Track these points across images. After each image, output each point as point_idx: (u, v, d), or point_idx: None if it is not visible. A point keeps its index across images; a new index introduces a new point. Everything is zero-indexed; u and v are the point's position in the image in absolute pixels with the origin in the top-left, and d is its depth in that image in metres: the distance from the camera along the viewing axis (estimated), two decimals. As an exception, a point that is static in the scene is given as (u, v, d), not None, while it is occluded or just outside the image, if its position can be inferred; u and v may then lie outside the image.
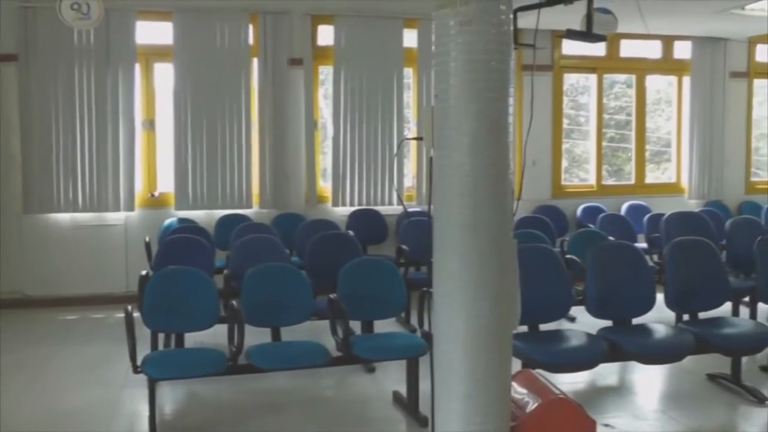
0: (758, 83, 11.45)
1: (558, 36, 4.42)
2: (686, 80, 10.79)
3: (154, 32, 8.85)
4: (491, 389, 3.24)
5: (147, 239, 8.01)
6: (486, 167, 3.14)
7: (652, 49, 10.74)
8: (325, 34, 9.22)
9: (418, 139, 3.65)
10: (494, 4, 3.19)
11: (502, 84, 3.20)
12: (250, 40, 8.87)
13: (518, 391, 3.68)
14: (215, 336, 5.62)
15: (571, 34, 4.03)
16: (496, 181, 3.17)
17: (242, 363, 5.07)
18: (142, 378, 4.95)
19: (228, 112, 8.80)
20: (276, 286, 5.60)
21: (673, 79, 11.01)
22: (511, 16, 3.35)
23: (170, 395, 5.69)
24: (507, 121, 3.22)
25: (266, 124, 8.94)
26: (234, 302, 5.33)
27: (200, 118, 8.73)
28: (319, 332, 5.74)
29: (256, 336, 5.37)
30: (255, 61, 8.93)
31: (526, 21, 4.34)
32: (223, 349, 5.15)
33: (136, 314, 5.17)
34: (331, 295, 5.44)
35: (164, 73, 8.91)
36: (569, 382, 5.78)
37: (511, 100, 3.25)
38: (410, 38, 9.32)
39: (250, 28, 8.86)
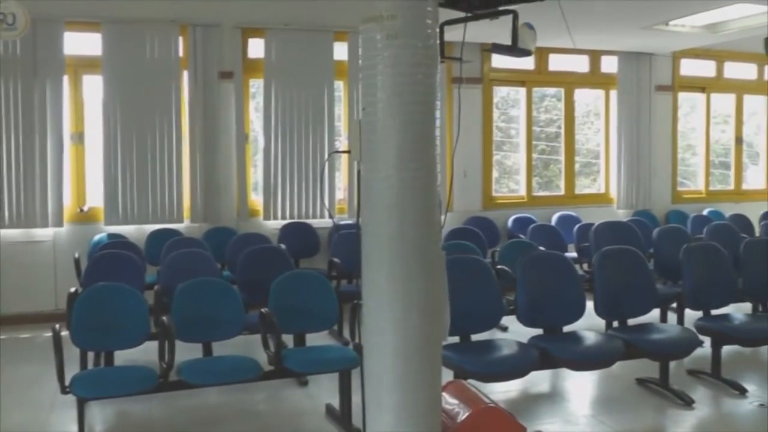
0: (683, 96, 11.79)
1: (484, 50, 4.47)
2: (613, 94, 11.07)
3: (82, 43, 8.68)
4: (421, 400, 3.26)
5: (76, 255, 7.84)
6: (413, 179, 3.16)
7: (580, 64, 10.97)
8: (256, 47, 9.19)
9: (346, 152, 3.65)
10: (420, 18, 3.22)
11: (428, 97, 3.23)
12: (180, 53, 8.78)
13: (449, 401, 3.70)
14: (146, 353, 5.54)
15: (497, 48, 4.09)
16: (423, 193, 3.19)
17: (173, 380, 4.99)
18: (72, 398, 4.86)
19: (158, 125, 8.70)
20: (207, 300, 5.54)
21: (601, 92, 11.25)
22: (438, 29, 3.39)
23: (100, 415, 5.57)
24: (434, 133, 3.25)
25: (197, 137, 8.86)
26: (165, 318, 5.26)
27: (130, 131, 8.59)
28: (251, 346, 5.72)
29: (187, 352, 5.30)
30: (185, 74, 8.84)
31: (454, 34, 4.39)
32: (154, 366, 5.07)
33: (65, 333, 5.06)
34: (263, 309, 5.40)
35: (93, 85, 8.74)
36: (502, 391, 5.87)
37: (438, 113, 3.28)
38: (341, 51, 9.36)
39: (180, 40, 8.78)
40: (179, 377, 4.95)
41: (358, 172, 3.34)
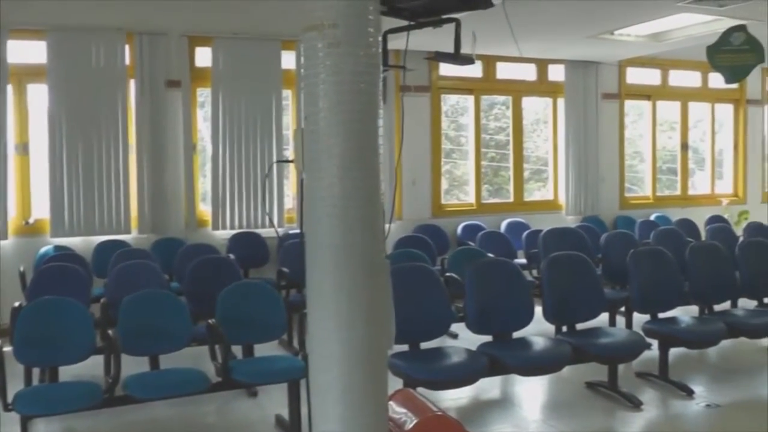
0: (629, 104, 11.98)
1: (427, 58, 4.48)
2: (561, 101, 11.20)
3: (27, 51, 8.54)
4: (368, 409, 3.24)
5: (21, 269, 7.68)
6: (356, 189, 3.14)
7: (528, 72, 11.08)
8: (203, 56, 9.13)
9: (290, 161, 3.63)
10: (362, 26, 3.20)
11: (371, 105, 3.22)
12: (127, 61, 8.68)
13: (396, 410, 3.69)
14: (93, 368, 5.47)
15: (440, 56, 4.10)
16: (366, 202, 3.17)
17: (119, 394, 4.92)
18: (15, 416, 4.77)
19: (105, 134, 8.58)
20: (153, 313, 5.47)
21: (549, 100, 11.37)
22: (380, 38, 3.38)
23: (45, 432, 5.48)
24: (377, 142, 3.24)
25: (144, 146, 8.77)
26: (110, 332, 5.18)
27: (76, 141, 8.47)
28: (199, 358, 5.64)
29: (134, 365, 5.25)
30: (132, 83, 8.76)
31: (401, 42, 4.41)
32: (100, 380, 5.01)
33: (8, 348, 4.96)
34: (210, 321, 5.35)
35: (38, 95, 8.60)
36: (452, 398, 5.89)
37: (380, 122, 3.28)
38: (289, 60, 9.34)
39: (126, 48, 8.69)
40: (125, 392, 4.88)
41: (301, 181, 3.32)
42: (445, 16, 3.75)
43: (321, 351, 3.26)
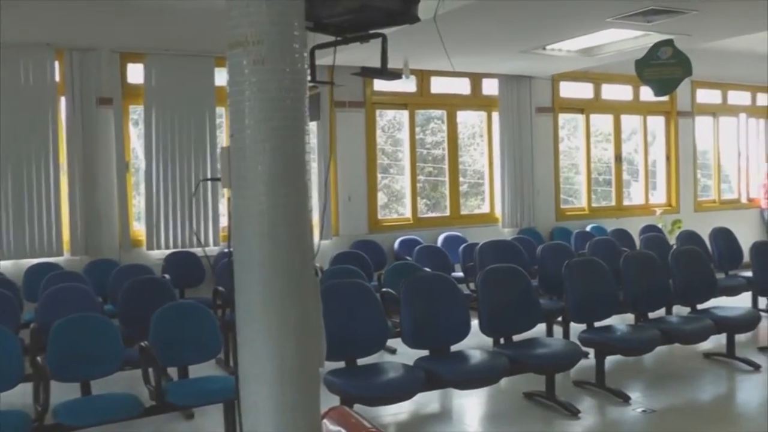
0: (565, 117, 12.15)
1: (353, 73, 4.49)
2: (495, 115, 11.27)
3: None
4: (300, 428, 3.21)
5: (-52, 294, 7.45)
6: (284, 206, 3.13)
7: (462, 86, 11.14)
8: (135, 72, 8.98)
9: (216, 179, 3.59)
10: (287, 43, 3.20)
11: (298, 122, 3.21)
12: (57, 78, 8.50)
13: (330, 428, 3.65)
14: (23, 396, 5.27)
15: (367, 72, 4.11)
16: (294, 219, 3.16)
17: (49, 423, 4.78)
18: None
19: (34, 153, 8.36)
20: (84, 337, 5.32)
21: (483, 114, 11.45)
22: (306, 54, 3.37)
23: (-29, 464, 5.30)
24: (304, 159, 3.22)
25: (76, 165, 8.58)
26: (39, 358, 5.04)
27: (4, 160, 8.22)
28: (134, 382, 5.52)
29: (65, 392, 5.12)
30: (62, 100, 8.57)
31: (337, 57, 4.42)
32: (30, 409, 4.86)
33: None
34: (143, 343, 5.25)
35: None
36: (392, 414, 5.88)
37: (307, 138, 3.27)
38: (222, 77, 9.25)
39: (56, 64, 8.49)
40: (55, 420, 4.75)
41: (228, 199, 3.29)
42: (371, 32, 3.75)
43: (251, 370, 3.23)
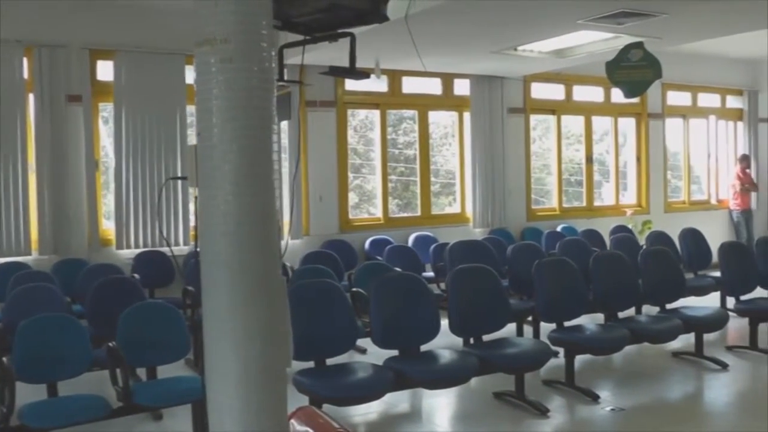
0: (537, 118, 12.21)
1: (321, 72, 4.49)
2: (467, 116, 11.28)
3: None
4: (267, 429, 3.19)
5: None
6: (250, 206, 3.10)
7: (433, 86, 11.14)
8: (105, 70, 8.91)
9: (183, 178, 3.56)
10: (255, 41, 3.17)
11: (265, 121, 3.18)
12: (25, 75, 8.40)
13: (297, 429, 3.64)
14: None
15: (335, 71, 4.10)
16: (261, 219, 3.13)
17: (15, 425, 4.73)
18: None
19: (2, 151, 8.24)
20: (50, 338, 5.25)
21: (455, 114, 11.47)
22: (275, 53, 3.35)
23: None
24: (272, 158, 3.20)
25: (44, 163, 8.48)
26: (4, 359, 4.97)
27: (-28, 160, 8.14)
28: (102, 383, 5.47)
29: (33, 393, 5.05)
30: (31, 97, 8.47)
31: (307, 57, 4.41)
32: (-5, 411, 4.81)
33: None
34: (110, 344, 5.20)
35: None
36: (361, 414, 5.88)
37: (275, 137, 3.25)
38: (193, 75, 9.17)
39: (25, 61, 8.39)
40: (21, 422, 4.70)
41: (196, 198, 3.26)
42: (340, 31, 3.74)
43: (218, 370, 3.21)
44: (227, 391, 3.17)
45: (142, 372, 5.67)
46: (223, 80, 3.13)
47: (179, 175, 8.83)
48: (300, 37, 3.79)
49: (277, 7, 3.26)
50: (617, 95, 9.87)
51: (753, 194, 13.77)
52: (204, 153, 3.18)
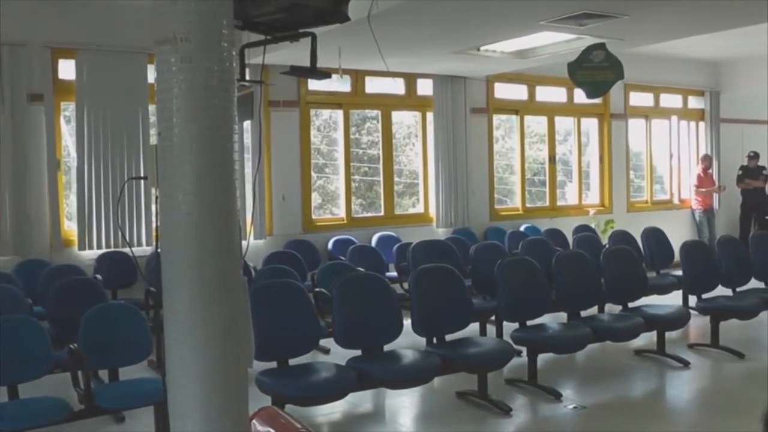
0: (500, 118, 12.27)
1: (282, 72, 4.49)
2: (430, 115, 11.29)
3: None
4: (228, 429, 3.18)
5: None
6: (210, 205, 3.09)
7: (396, 86, 11.16)
8: (67, 68, 8.81)
9: (143, 178, 3.55)
10: (216, 40, 3.16)
11: (225, 121, 3.17)
12: (-15, 74, 8.29)
13: (259, 429, 3.63)
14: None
15: (296, 71, 4.10)
16: (222, 218, 3.13)
17: (-28, 429, 4.68)
18: None
19: (-38, 152, 8.16)
20: (11, 340, 5.16)
21: (418, 114, 11.50)
22: (236, 53, 3.35)
23: None
24: (232, 158, 3.19)
25: (5, 163, 8.34)
26: (-38, 363, 4.91)
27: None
28: (64, 385, 5.41)
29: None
30: (-8, 96, 8.36)
31: (270, 57, 4.40)
32: (-46, 414, 4.74)
33: None
34: (72, 345, 5.15)
35: None
36: (324, 414, 5.87)
37: (236, 137, 3.24)
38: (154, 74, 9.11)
39: (-16, 60, 8.29)
40: (-21, 426, 4.64)
41: (156, 198, 3.25)
42: (301, 31, 3.74)
43: (179, 371, 3.20)
44: (188, 391, 3.16)
45: (104, 374, 5.61)
46: (183, 79, 3.11)
47: (143, 175, 8.76)
48: (262, 37, 3.78)
49: (238, 7, 3.25)
50: (580, 96, 9.94)
51: (715, 194, 13.98)
52: (164, 153, 3.17)
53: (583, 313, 7.28)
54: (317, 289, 7.02)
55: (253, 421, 3.59)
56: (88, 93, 8.73)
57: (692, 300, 8.31)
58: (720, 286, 8.20)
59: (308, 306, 5.76)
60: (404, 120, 11.77)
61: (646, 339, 7.39)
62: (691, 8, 7.34)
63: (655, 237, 9.97)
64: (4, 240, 8.40)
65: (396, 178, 11.41)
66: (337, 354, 6.47)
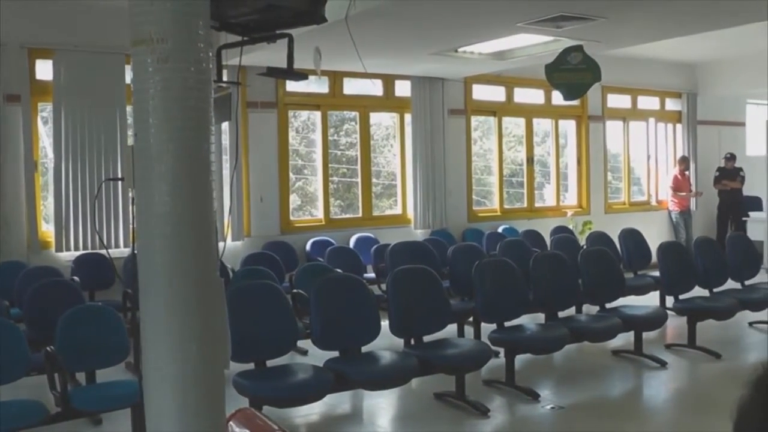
0: (477, 120, 12.30)
1: (258, 74, 4.48)
2: (408, 117, 11.31)
3: None
4: (205, 431, 3.18)
5: None
6: (186, 207, 3.08)
7: (374, 88, 11.14)
8: (44, 69, 8.76)
9: (120, 179, 3.53)
10: (192, 41, 3.15)
11: (202, 122, 3.16)
12: (-40, 74, 8.22)
13: (236, 431, 3.63)
14: None
15: (273, 72, 4.10)
16: (198, 220, 3.11)
17: (-56, 435, 4.65)
18: None
19: (-63, 153, 8.08)
20: (-15, 342, 5.17)
21: (396, 116, 11.51)
22: (212, 54, 3.35)
23: None
24: (209, 159, 3.18)
25: (-19, 165, 8.31)
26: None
27: None
28: (40, 388, 5.38)
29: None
30: (-32, 98, 8.29)
31: (247, 58, 4.39)
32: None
33: None
34: (48, 348, 5.12)
35: None
36: (303, 415, 5.87)
37: (212, 138, 3.23)
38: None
39: (-41, 60, 8.22)
40: (-45, 429, 4.61)
41: (133, 199, 3.24)
42: (278, 32, 3.74)
43: (155, 373, 3.18)
44: (164, 393, 3.15)
45: (81, 376, 5.58)
46: (160, 80, 3.10)
47: (121, 176, 8.72)
48: (239, 38, 3.77)
49: (214, 7, 3.24)
50: (558, 97, 10.00)
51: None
52: (140, 154, 3.15)
53: (561, 314, 7.32)
54: (295, 291, 7.02)
55: (230, 422, 3.58)
56: (66, 93, 8.69)
57: (669, 301, 8.38)
58: (697, 287, 8.27)
59: (286, 307, 5.76)
60: (382, 121, 11.78)
61: (624, 339, 7.43)
62: (668, 11, 7.39)
63: (633, 238, 10.03)
64: (-21, 242, 8.34)
65: (374, 180, 11.42)
66: (314, 355, 6.47)
